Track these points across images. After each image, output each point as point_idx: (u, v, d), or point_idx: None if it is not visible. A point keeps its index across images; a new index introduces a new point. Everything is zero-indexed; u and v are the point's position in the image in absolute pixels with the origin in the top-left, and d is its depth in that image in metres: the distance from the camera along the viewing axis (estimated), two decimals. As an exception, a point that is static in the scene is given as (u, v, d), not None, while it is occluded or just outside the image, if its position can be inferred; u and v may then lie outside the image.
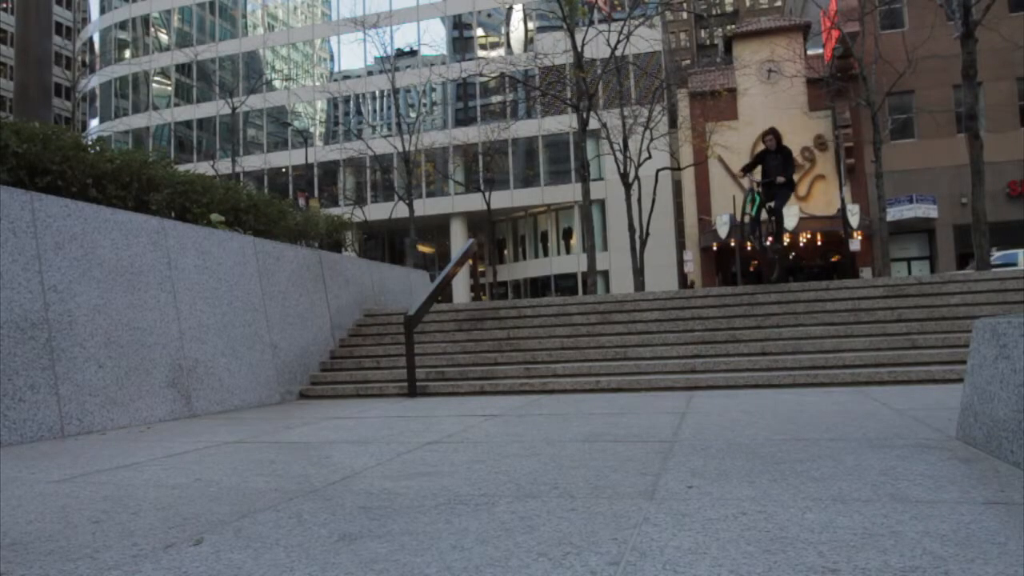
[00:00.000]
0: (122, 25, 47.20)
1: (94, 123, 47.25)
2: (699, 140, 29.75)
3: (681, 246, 34.65)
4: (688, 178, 32.32)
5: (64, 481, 3.31)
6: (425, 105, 40.53)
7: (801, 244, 30.61)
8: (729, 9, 75.14)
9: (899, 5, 28.70)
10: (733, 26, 41.84)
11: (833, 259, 32.05)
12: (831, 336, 7.48)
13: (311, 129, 42.91)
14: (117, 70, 46.33)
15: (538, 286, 38.86)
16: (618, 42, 21.32)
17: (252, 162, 42.04)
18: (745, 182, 9.95)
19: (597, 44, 23.91)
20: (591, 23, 25.22)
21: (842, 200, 27.32)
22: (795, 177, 10.29)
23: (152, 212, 6.50)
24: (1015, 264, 21.31)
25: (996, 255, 24.17)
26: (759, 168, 9.68)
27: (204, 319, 6.56)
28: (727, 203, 29.78)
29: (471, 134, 38.30)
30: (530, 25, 39.80)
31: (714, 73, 33.83)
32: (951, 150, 27.32)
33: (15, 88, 7.92)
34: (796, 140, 31.05)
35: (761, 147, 10.25)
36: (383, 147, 35.94)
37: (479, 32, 41.11)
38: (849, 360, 6.87)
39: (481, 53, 40.61)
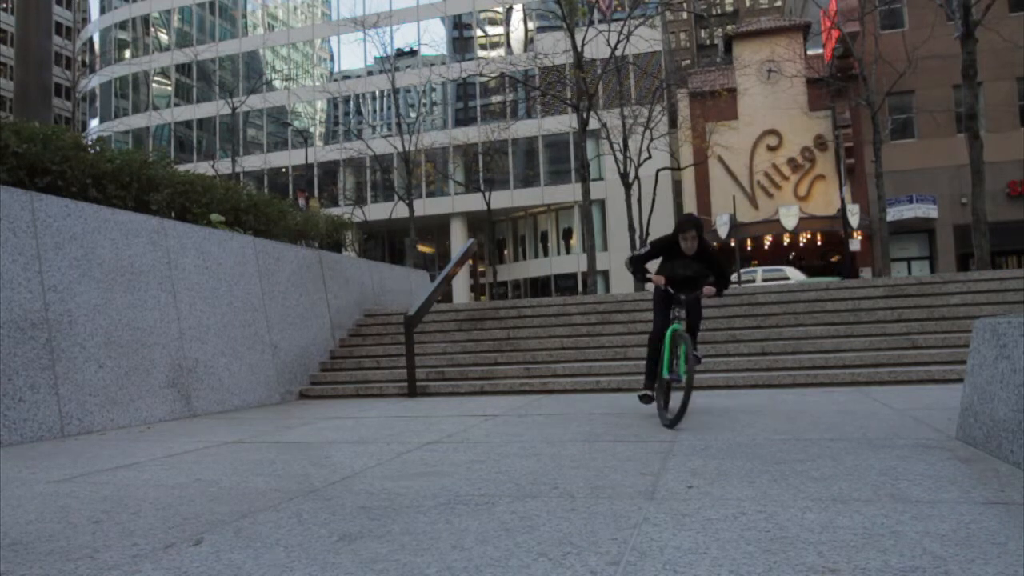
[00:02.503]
0: (122, 25, 47.17)
1: (94, 123, 47.21)
2: (699, 140, 29.75)
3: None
4: (688, 178, 32.28)
5: (64, 481, 3.31)
6: (425, 105, 40.49)
7: (801, 244, 30.60)
8: (729, 9, 75.12)
9: (899, 5, 28.67)
10: (733, 26, 41.80)
11: (833, 259, 32.02)
12: (831, 336, 7.48)
13: (311, 129, 42.86)
14: (117, 70, 46.29)
15: (538, 286, 38.82)
16: (618, 42, 21.32)
17: (252, 162, 42.01)
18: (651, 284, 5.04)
19: (597, 44, 23.91)
20: (591, 23, 25.21)
21: (842, 200, 27.30)
22: (727, 268, 4.76)
23: (152, 212, 6.50)
24: (787, 279, 21.16)
25: (766, 268, 23.58)
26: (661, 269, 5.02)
27: (204, 319, 6.56)
28: (727, 203, 29.77)
29: (471, 134, 38.26)
30: (530, 25, 39.77)
31: (714, 73, 33.81)
32: (951, 150, 27.29)
33: (15, 88, 7.92)
34: (796, 140, 31.06)
35: (686, 242, 4.87)
36: (383, 147, 35.91)
37: (479, 32, 41.08)
38: (849, 360, 6.86)
39: (481, 53, 40.58)
